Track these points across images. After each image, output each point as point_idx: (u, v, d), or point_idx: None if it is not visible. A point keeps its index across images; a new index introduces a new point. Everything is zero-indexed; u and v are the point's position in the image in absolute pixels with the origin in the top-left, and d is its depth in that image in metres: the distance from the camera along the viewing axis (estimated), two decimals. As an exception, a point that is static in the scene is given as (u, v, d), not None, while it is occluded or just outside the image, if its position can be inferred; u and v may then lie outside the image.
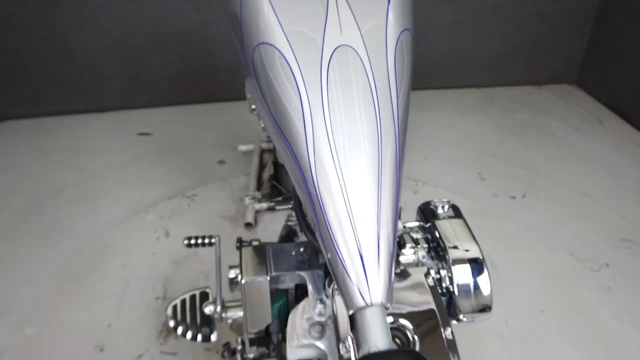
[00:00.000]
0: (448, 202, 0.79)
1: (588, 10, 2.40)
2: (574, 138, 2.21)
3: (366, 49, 0.62)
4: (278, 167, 1.75)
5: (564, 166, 2.00)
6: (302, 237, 0.76)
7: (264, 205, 1.68)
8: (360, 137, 0.58)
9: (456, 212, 0.78)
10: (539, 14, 2.37)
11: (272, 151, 1.91)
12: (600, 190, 1.87)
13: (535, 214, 1.75)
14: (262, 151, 1.98)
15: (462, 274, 0.69)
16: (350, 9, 0.63)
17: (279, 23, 0.61)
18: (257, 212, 1.68)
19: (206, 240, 0.99)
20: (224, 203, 1.75)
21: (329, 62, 0.60)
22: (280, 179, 1.71)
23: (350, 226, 0.55)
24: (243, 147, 2.01)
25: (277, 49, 0.61)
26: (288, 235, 0.85)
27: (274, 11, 0.62)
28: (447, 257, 0.70)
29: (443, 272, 0.71)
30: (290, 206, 1.71)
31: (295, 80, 0.59)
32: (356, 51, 0.61)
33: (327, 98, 0.59)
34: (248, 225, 1.63)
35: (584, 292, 1.44)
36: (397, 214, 0.59)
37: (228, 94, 2.40)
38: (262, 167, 1.89)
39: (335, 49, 0.61)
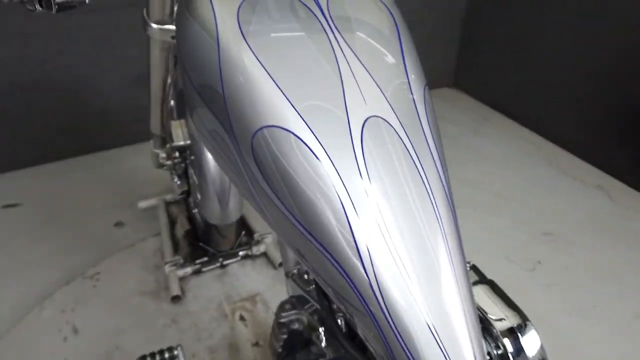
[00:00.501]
0: (468, 263, 0.70)
1: (456, 15, 2.54)
2: (470, 140, 2.31)
3: (397, 117, 0.49)
4: (195, 221, 1.54)
5: (472, 169, 2.08)
6: (322, 345, 0.61)
7: (189, 269, 1.47)
8: (422, 232, 0.46)
9: (479, 274, 0.70)
10: (413, 23, 2.44)
11: (183, 203, 1.69)
12: (509, 188, 1.97)
13: (464, 222, 1.76)
14: (168, 204, 1.74)
15: (515, 346, 0.61)
16: (365, 68, 0.51)
17: (287, 99, 0.46)
18: (181, 279, 1.46)
19: (166, 355, 0.79)
20: (137, 276, 1.49)
21: (362, 141, 0.47)
22: (204, 235, 1.51)
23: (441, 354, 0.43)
24: (143, 203, 1.75)
25: (291, 132, 0.46)
26: (292, 340, 0.69)
27: (277, 85, 0.47)
28: (493, 331, 0.61)
29: (492, 351, 0.61)
30: (218, 265, 1.52)
31: (327, 172, 0.45)
32: (388, 122, 0.49)
33: (373, 189, 0.45)
34: (175, 298, 1.39)
35: (531, 295, 1.48)
36: (479, 323, 0.48)
37: (107, 142, 2.10)
38: (172, 223, 1.65)
39: (364, 122, 0.48)
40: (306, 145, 0.46)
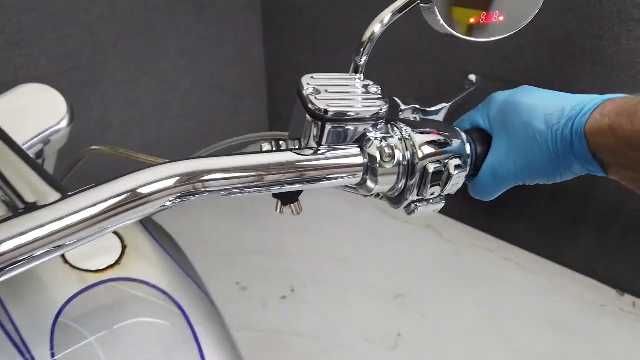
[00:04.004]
0: None
1: (257, 69, 2.43)
2: (302, 199, 2.19)
3: None
4: None
5: (305, 231, 1.95)
6: None
7: None
8: None
9: None
10: (220, 85, 2.25)
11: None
12: (348, 247, 1.89)
13: (310, 307, 1.63)
14: None
15: None
16: None
17: None
18: None
19: None
20: None
21: None
22: None
23: None
24: None
25: None
26: None
27: None
28: None
29: None
30: None
31: None
32: None
33: None
34: None
35: (400, 380, 1.40)
36: None
37: None
38: None
39: None
40: None
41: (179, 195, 0.30)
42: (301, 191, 0.40)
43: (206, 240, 1.91)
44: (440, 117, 0.46)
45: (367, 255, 1.86)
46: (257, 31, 2.32)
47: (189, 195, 0.30)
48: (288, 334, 1.54)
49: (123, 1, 1.78)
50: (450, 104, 0.46)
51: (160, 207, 0.29)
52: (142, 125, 2.03)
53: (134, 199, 0.27)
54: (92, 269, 0.36)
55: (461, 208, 2.02)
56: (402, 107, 0.43)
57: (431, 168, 0.37)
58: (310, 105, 0.36)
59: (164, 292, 0.37)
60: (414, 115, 0.43)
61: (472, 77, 0.50)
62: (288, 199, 0.40)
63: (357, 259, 1.84)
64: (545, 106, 0.39)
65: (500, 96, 0.43)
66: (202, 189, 0.30)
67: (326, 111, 0.35)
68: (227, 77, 2.29)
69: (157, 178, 0.29)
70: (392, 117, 0.41)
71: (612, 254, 1.68)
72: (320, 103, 0.35)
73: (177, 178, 0.29)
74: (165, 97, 2.06)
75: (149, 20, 1.88)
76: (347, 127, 0.37)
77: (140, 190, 0.28)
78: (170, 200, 0.30)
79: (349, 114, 0.36)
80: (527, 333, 1.55)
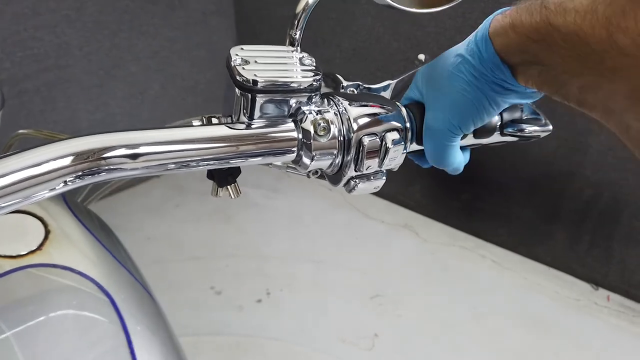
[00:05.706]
0: None
1: (222, 74, 2.40)
2: (274, 201, 2.17)
3: None
4: None
5: (285, 235, 1.93)
6: None
7: None
8: None
9: None
10: (192, 88, 2.22)
11: None
12: (328, 250, 1.87)
13: (286, 310, 1.61)
14: None
15: None
16: None
17: None
18: None
19: None
20: None
21: None
22: None
23: None
24: None
25: None
26: None
27: None
28: None
29: None
30: None
31: None
32: None
33: None
34: None
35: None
36: None
37: None
38: None
39: None
40: None
41: (78, 175, 0.28)
42: (238, 172, 0.38)
43: (180, 244, 1.87)
44: (386, 96, 0.45)
45: (343, 256, 1.84)
46: (231, 33, 2.30)
47: (91, 175, 0.28)
48: (264, 337, 1.51)
49: (90, 2, 1.75)
50: (395, 81, 0.45)
51: (59, 187, 0.27)
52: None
53: (22, 179, 0.25)
54: (10, 255, 0.33)
55: (437, 207, 2.02)
56: (344, 83, 0.42)
57: (366, 140, 0.36)
58: (237, 77, 0.34)
59: (91, 279, 0.35)
60: (355, 90, 0.41)
61: (422, 56, 0.49)
62: (223, 180, 0.38)
63: (333, 260, 1.82)
64: (456, 47, 0.41)
65: (424, 67, 0.45)
66: (106, 167, 0.29)
67: (255, 82, 0.33)
68: (199, 80, 2.26)
69: (48, 158, 0.26)
70: (330, 92, 0.39)
71: (585, 249, 1.69)
72: (247, 73, 0.34)
73: (72, 157, 0.27)
74: (136, 101, 2.03)
75: (117, 22, 1.85)
76: (280, 101, 0.35)
77: (29, 172, 0.26)
78: (68, 181, 0.27)
79: (279, 84, 0.34)
80: (504, 329, 1.55)
